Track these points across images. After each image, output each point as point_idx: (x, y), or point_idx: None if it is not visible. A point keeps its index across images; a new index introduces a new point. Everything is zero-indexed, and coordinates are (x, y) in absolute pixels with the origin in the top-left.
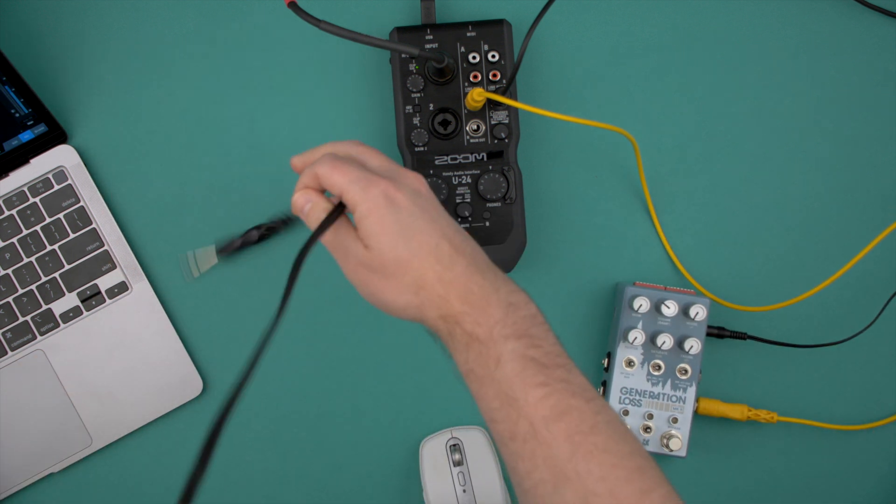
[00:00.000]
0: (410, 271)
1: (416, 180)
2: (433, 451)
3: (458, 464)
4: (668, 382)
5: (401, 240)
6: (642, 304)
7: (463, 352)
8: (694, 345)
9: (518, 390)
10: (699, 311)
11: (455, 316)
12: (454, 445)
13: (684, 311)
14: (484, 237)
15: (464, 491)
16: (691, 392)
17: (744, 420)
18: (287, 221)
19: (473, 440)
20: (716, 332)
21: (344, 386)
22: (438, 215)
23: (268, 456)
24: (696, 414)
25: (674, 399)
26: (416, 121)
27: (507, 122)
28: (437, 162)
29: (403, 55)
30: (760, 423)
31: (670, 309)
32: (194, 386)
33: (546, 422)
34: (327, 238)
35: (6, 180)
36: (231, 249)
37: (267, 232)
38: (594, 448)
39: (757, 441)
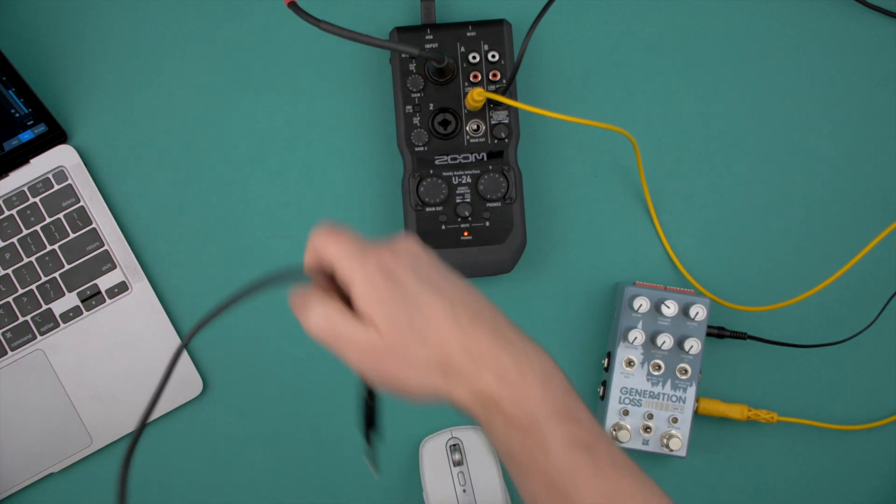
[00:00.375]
0: (430, 345)
1: (410, 241)
2: (433, 451)
3: (458, 464)
4: (668, 382)
5: (411, 309)
6: (642, 303)
7: (502, 432)
8: (694, 345)
9: (569, 482)
10: (699, 311)
11: (491, 396)
12: (454, 445)
13: (684, 311)
14: (484, 237)
15: (464, 491)
16: (691, 392)
17: (744, 420)
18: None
19: (473, 440)
20: (716, 332)
21: (344, 386)
22: (444, 277)
23: (268, 456)
24: (696, 414)
25: (674, 399)
26: (416, 121)
27: (507, 122)
28: (437, 162)
29: (403, 55)
30: (760, 423)
31: (670, 309)
32: (194, 386)
33: None
34: (322, 327)
35: (6, 180)
36: (371, 431)
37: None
38: None
39: (757, 441)
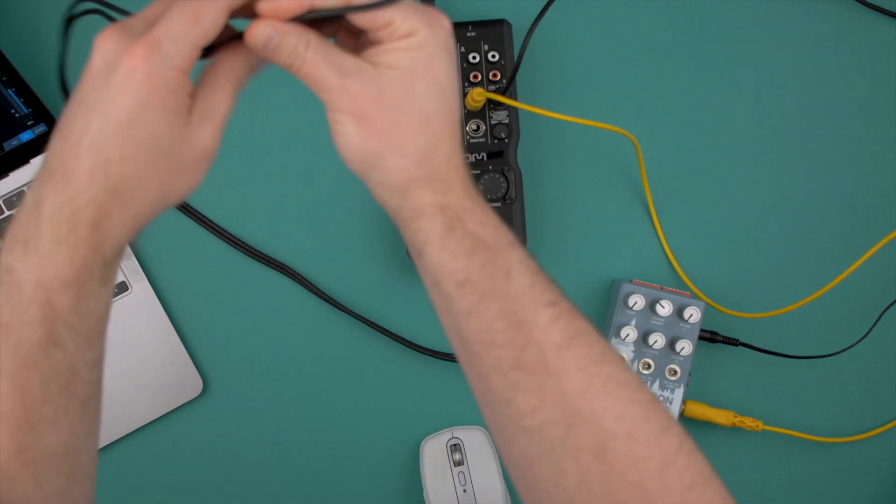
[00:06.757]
0: (427, 132)
1: (451, 28)
2: (433, 451)
3: (458, 464)
4: (657, 382)
5: (441, 91)
6: (637, 301)
7: (464, 257)
8: (685, 346)
9: (528, 310)
10: (693, 314)
11: (458, 210)
12: (454, 445)
13: (678, 312)
14: None
15: (464, 491)
16: (679, 394)
17: (729, 426)
18: None
19: (474, 440)
20: (708, 336)
21: (344, 385)
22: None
23: (268, 456)
24: (681, 416)
25: (661, 399)
26: None
27: (507, 122)
28: None
29: None
30: (745, 431)
31: (665, 309)
32: (194, 386)
33: (557, 349)
34: (316, 57)
35: (6, 180)
36: None
37: None
38: (608, 380)
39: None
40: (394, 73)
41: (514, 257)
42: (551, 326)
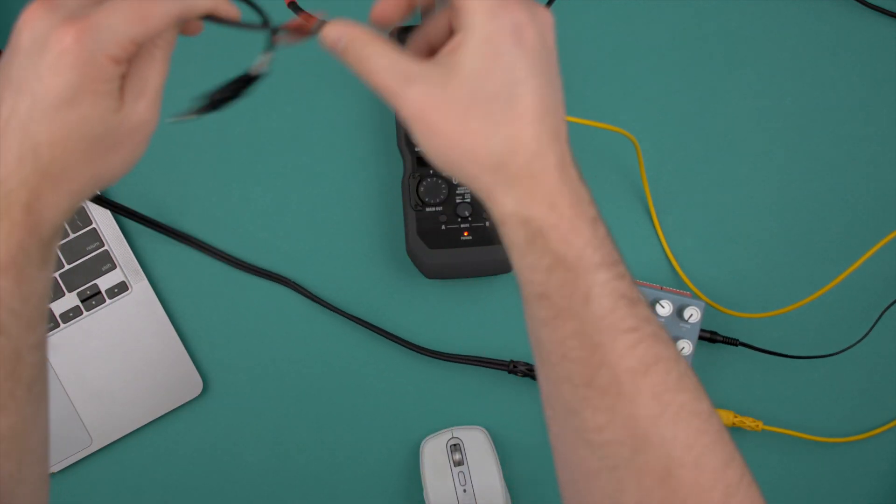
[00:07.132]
0: (497, 136)
1: (548, 20)
2: (433, 451)
3: (458, 464)
4: None
5: (508, 86)
6: None
7: (542, 273)
8: (685, 346)
9: (605, 334)
10: (693, 314)
11: (541, 224)
12: (454, 445)
13: (678, 312)
14: (484, 237)
15: (464, 491)
16: None
17: (729, 426)
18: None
19: (474, 440)
20: (708, 337)
21: (344, 385)
22: (555, 74)
23: (268, 456)
24: None
25: None
26: None
27: None
28: None
29: None
30: (745, 431)
31: (665, 309)
32: (194, 386)
33: (633, 375)
34: (380, 64)
35: None
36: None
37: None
38: (681, 409)
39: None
40: (466, 59)
41: (597, 280)
42: (628, 352)
